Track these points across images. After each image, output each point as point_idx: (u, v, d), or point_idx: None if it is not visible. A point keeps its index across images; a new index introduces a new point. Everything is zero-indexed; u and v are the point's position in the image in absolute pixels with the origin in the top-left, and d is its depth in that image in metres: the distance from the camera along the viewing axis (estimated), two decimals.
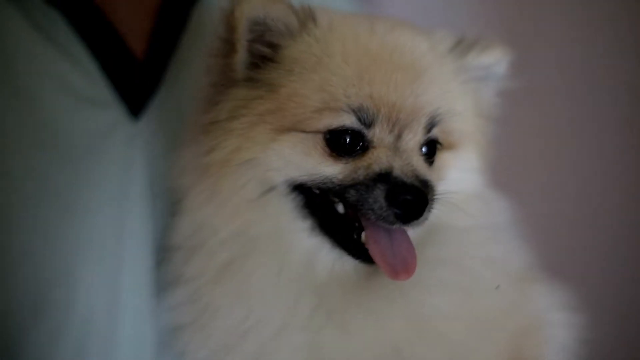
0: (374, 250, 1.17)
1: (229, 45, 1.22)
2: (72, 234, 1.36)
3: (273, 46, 1.22)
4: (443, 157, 1.28)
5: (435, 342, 1.21)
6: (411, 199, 1.14)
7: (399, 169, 1.16)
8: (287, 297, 1.23)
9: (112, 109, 1.42)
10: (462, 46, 1.29)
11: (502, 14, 2.23)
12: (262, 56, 1.22)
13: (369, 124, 1.18)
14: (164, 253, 1.35)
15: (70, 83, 1.40)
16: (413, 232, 1.23)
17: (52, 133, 1.37)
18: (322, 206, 1.22)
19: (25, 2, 1.39)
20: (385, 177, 1.15)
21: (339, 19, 1.25)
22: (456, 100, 1.26)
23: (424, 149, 1.23)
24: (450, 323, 1.22)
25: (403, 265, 1.16)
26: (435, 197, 1.19)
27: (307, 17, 1.23)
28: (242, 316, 1.24)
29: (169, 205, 1.39)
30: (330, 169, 1.19)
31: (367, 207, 1.15)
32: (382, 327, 1.21)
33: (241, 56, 1.22)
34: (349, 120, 1.18)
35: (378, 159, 1.17)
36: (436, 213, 1.22)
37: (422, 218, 1.15)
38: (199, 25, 1.50)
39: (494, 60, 1.32)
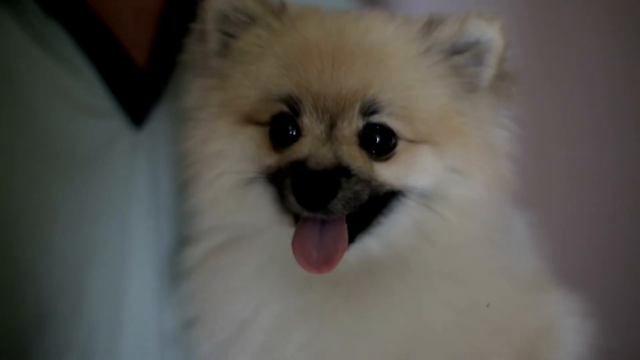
0: (293, 240, 1.14)
1: (201, 34, 1.25)
2: (76, 245, 1.36)
3: (232, 37, 1.24)
4: (416, 151, 1.18)
5: (438, 354, 1.18)
6: (310, 185, 1.10)
7: (315, 156, 1.12)
8: (277, 289, 1.22)
9: (114, 119, 1.41)
10: (432, 23, 1.20)
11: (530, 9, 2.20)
12: (226, 46, 1.25)
13: (297, 113, 1.15)
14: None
15: (71, 93, 1.40)
16: (385, 239, 1.19)
17: (54, 144, 1.38)
18: None
19: (25, 13, 1.40)
20: (297, 165, 1.12)
21: (309, 14, 1.23)
22: (417, 86, 1.17)
23: (377, 139, 1.16)
24: (451, 338, 1.19)
25: (324, 259, 1.12)
26: (373, 185, 1.15)
27: (271, 10, 1.23)
28: (239, 308, 1.23)
29: (173, 212, 1.39)
30: (269, 160, 1.18)
31: (283, 194, 1.14)
32: (381, 335, 1.19)
33: (211, 46, 1.24)
34: (284, 108, 1.16)
35: (301, 147, 1.14)
36: (419, 217, 1.19)
37: (332, 205, 1.10)
38: None
39: (472, 29, 1.19)
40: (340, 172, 1.11)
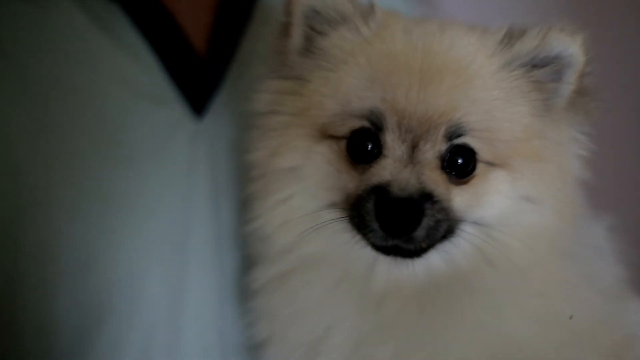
0: None
1: (285, 29, 1.18)
2: (136, 237, 1.33)
3: (320, 34, 1.17)
4: (490, 178, 1.14)
5: None
6: (396, 212, 1.06)
7: (398, 181, 1.07)
8: (348, 308, 1.18)
9: (175, 107, 1.38)
10: (512, 36, 1.15)
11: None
12: (311, 44, 1.17)
13: (379, 129, 1.10)
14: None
15: (132, 80, 1.36)
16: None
17: (114, 132, 1.34)
18: None
19: None
20: (380, 190, 1.07)
21: (393, 22, 1.17)
22: (501, 105, 1.13)
23: (459, 160, 1.12)
24: (541, 349, 1.15)
25: None
26: (450, 214, 1.10)
27: (360, 11, 1.16)
28: (310, 328, 1.19)
29: (234, 204, 1.36)
30: (346, 177, 1.14)
31: (363, 220, 1.09)
32: (466, 351, 1.15)
33: (294, 41, 1.18)
34: (366, 124, 1.11)
35: (382, 169, 1.09)
36: (479, 243, 1.14)
37: (417, 233, 1.07)
38: (262, 20, 1.46)
39: (554, 43, 1.14)
40: (425, 199, 1.07)
